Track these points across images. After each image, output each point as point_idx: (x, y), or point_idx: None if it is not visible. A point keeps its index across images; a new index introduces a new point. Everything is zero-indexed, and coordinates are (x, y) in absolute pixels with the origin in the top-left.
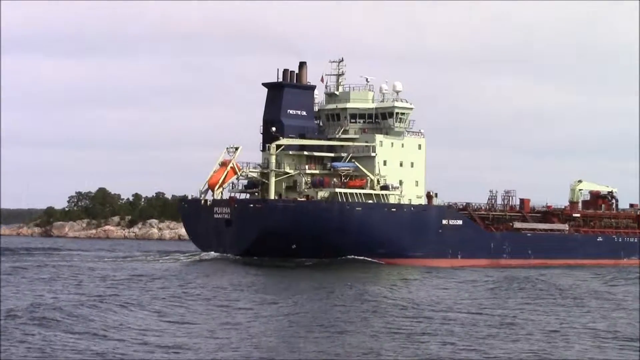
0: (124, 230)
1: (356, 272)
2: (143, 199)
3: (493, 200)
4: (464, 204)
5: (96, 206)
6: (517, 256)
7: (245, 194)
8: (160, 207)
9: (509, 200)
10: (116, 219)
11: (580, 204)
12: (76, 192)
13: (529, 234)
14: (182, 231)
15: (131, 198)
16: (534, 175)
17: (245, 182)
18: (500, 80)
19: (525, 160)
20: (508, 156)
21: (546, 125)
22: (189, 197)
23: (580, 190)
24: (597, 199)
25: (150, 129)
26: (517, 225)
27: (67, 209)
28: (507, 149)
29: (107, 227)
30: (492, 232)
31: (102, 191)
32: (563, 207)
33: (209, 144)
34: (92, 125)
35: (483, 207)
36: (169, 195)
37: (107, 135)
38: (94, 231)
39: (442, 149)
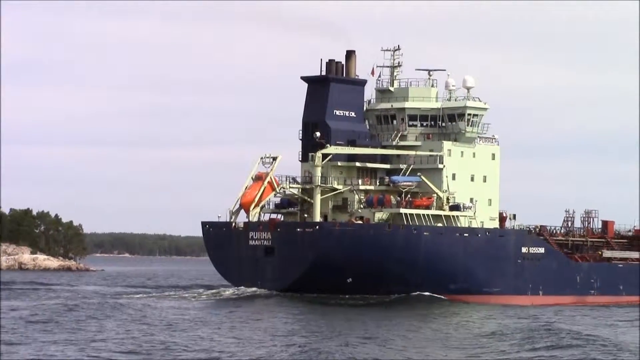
0: None
1: (452, 312)
2: None
3: (569, 223)
4: (538, 227)
5: None
6: (607, 292)
7: (277, 215)
8: None
9: (589, 222)
10: None
11: None
12: None
13: (620, 265)
14: (24, 258)
15: None
16: (615, 188)
17: (277, 200)
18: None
19: (603, 168)
20: (584, 161)
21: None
22: (217, 220)
23: None
24: None
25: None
26: (607, 254)
27: None
28: (582, 151)
29: None
30: (579, 262)
31: None
32: None
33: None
34: None
35: (559, 231)
36: (5, 209)
37: None
38: None
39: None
